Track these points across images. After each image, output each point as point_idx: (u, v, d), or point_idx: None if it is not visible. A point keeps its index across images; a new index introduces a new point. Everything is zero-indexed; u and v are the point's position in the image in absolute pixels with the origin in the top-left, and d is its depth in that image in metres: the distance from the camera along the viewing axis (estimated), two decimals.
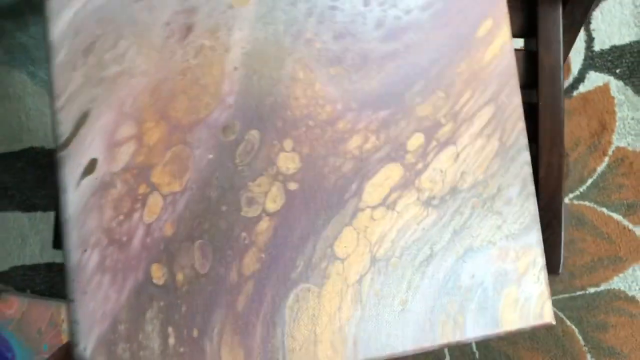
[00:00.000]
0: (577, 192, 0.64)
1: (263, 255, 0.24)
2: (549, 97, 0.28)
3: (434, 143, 0.26)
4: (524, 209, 0.27)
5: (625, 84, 0.62)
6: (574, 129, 0.64)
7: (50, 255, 0.66)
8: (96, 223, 0.23)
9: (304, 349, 0.24)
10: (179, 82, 0.24)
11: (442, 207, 0.26)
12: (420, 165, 0.26)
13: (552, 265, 0.31)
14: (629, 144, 0.63)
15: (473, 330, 0.26)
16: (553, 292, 0.67)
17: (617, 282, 0.64)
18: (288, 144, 0.25)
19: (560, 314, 0.65)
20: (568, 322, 0.64)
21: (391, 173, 0.26)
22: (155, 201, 0.24)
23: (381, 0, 0.26)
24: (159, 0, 0.24)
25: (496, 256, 0.27)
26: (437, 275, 0.26)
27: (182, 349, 0.24)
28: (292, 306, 0.25)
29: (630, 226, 0.63)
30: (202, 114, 0.24)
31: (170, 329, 0.24)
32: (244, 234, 0.24)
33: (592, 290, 0.64)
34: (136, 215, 0.24)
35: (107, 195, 0.23)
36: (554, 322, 0.28)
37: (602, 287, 0.64)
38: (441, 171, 0.26)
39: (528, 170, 0.27)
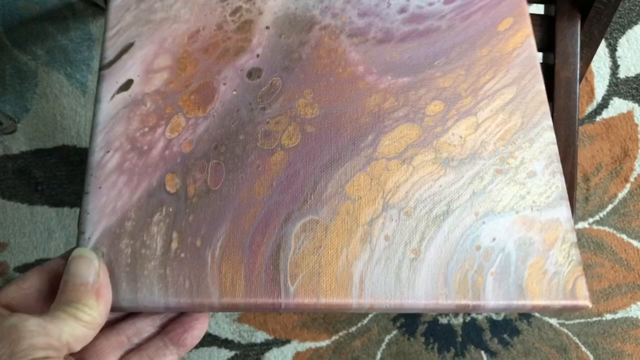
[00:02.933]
0: (597, 217, 1.06)
1: (274, 183, 0.46)
2: (564, 109, 0.53)
3: (454, 112, 0.51)
4: (550, 184, 0.49)
5: None
6: (596, 154, 1.06)
7: None
8: (122, 130, 0.47)
9: (307, 277, 0.44)
10: (215, 32, 0.51)
11: (460, 168, 0.49)
12: (439, 129, 0.50)
13: None
14: None
15: (494, 295, 0.44)
16: (568, 316, 1.05)
17: (635, 310, 1.04)
18: (308, 93, 0.50)
19: (575, 339, 1.03)
20: (583, 348, 1.03)
21: (408, 132, 0.50)
22: (178, 121, 0.48)
23: None
24: None
25: (520, 224, 0.47)
26: (455, 231, 0.46)
27: (183, 255, 0.43)
28: (299, 235, 0.45)
29: None
30: (231, 59, 0.50)
31: (174, 234, 0.44)
32: (258, 162, 0.47)
33: (608, 316, 1.04)
34: (159, 130, 0.47)
35: (136, 110, 0.48)
36: (590, 305, 0.46)
37: (620, 314, 1.04)
38: (460, 137, 0.50)
39: (554, 149, 0.50)
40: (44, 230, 1.11)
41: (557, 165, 0.48)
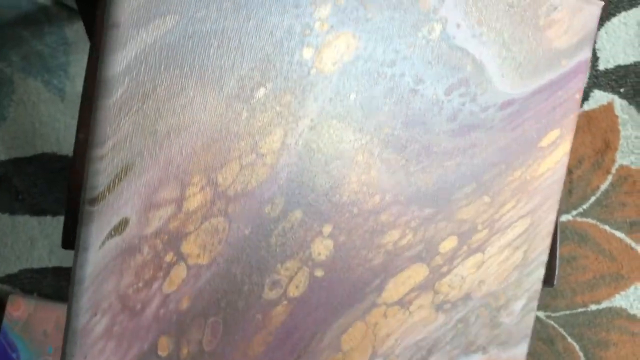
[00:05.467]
0: (580, 210, 1.13)
1: (270, 338, 0.46)
2: None
3: (465, 248, 0.51)
4: (522, 323, 0.55)
5: (630, 103, 1.12)
6: (578, 146, 1.11)
7: (58, 259, 1.09)
8: (112, 287, 0.41)
9: None
10: (237, 146, 0.42)
11: (451, 312, 0.52)
12: (445, 269, 0.51)
13: (547, 277, 0.60)
14: (632, 163, 1.13)
15: None
16: (554, 308, 1.15)
17: (619, 300, 1.16)
18: (327, 229, 0.46)
19: (561, 330, 1.17)
20: (569, 339, 1.16)
21: (416, 273, 0.50)
22: (178, 272, 0.43)
23: (463, 92, 0.48)
24: (238, 51, 0.40)
25: None
26: None
27: None
28: None
29: (633, 244, 1.14)
30: (250, 186, 0.43)
31: None
32: (259, 316, 0.46)
33: (593, 307, 1.16)
34: (156, 285, 0.42)
35: (130, 260, 0.41)
36: None
37: (604, 304, 1.16)
38: (462, 277, 0.51)
39: (538, 286, 0.55)
40: (26, 240, 1.15)
41: (535, 303, 0.52)
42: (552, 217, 0.49)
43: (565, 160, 0.49)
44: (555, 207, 0.49)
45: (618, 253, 1.16)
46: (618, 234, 1.16)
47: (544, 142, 0.48)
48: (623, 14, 1.13)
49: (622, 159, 1.15)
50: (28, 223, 1.14)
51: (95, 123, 0.37)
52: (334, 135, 0.42)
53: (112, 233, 0.39)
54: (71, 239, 0.60)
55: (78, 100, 0.93)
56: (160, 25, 0.37)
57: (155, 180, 0.39)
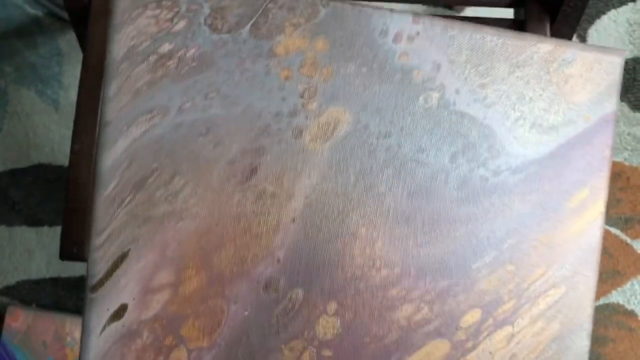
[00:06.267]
0: None
1: None
2: None
3: (490, 321, 0.50)
4: None
5: (621, 100, 1.14)
6: None
7: (56, 270, 1.19)
8: None
9: None
10: (230, 229, 0.45)
11: None
12: (469, 344, 0.50)
13: None
14: (625, 159, 1.16)
15: None
16: None
17: (616, 296, 1.19)
18: (332, 307, 0.47)
19: None
20: None
21: (435, 350, 0.50)
22: (179, 356, 0.45)
23: (470, 157, 0.48)
24: (227, 136, 0.44)
25: None
26: None
27: None
28: None
29: (629, 240, 1.16)
30: (246, 267, 0.45)
31: None
32: None
33: None
34: None
35: (130, 345, 0.45)
36: None
37: (601, 301, 1.18)
38: (490, 353, 0.51)
39: (584, 359, 0.53)
40: (23, 251, 1.19)
41: None
42: (592, 283, 0.48)
43: (599, 222, 0.48)
44: (595, 273, 0.48)
45: (614, 249, 1.19)
46: (613, 230, 1.19)
47: (572, 203, 0.47)
48: (613, 11, 1.17)
49: (616, 155, 1.19)
50: (25, 234, 1.20)
51: (93, 214, 0.41)
52: (332, 210, 0.44)
53: (112, 319, 0.42)
54: (68, 249, 0.64)
55: (72, 110, 0.95)
56: (148, 120, 0.40)
57: (151, 266, 0.42)
